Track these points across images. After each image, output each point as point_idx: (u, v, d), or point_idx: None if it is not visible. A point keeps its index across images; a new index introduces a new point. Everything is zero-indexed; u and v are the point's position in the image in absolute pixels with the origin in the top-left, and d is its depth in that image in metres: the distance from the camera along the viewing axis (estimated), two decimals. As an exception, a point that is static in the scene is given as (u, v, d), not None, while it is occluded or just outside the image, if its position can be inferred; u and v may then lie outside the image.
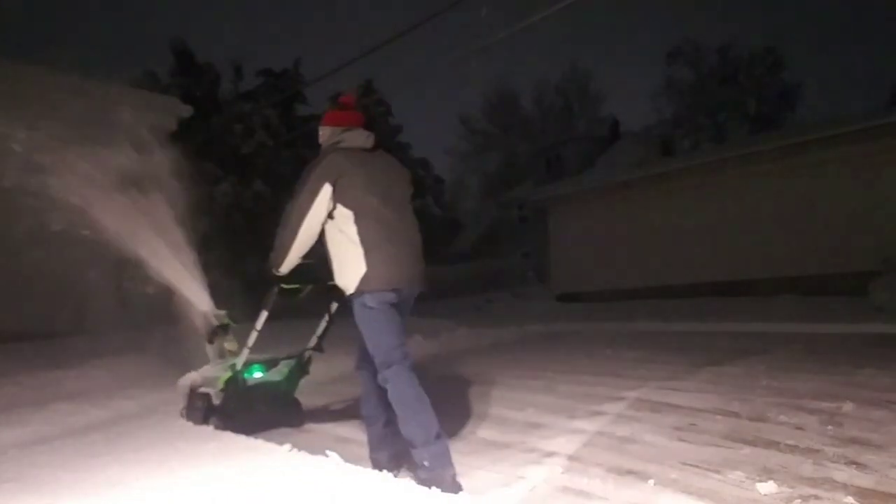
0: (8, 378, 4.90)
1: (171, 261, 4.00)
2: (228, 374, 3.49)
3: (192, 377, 3.80)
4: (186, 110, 9.52)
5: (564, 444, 3.08)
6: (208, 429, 3.59)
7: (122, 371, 5.38)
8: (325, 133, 2.95)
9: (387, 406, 2.68)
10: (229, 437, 3.39)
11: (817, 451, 2.71)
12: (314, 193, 2.70)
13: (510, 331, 8.98)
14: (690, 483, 2.42)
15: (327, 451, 2.81)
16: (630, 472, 2.60)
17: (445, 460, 2.51)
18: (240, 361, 3.50)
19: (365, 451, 2.94)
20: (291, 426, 3.81)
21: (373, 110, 25.21)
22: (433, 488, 2.33)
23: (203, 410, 3.61)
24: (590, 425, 3.40)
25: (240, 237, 14.04)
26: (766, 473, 2.45)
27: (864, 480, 2.33)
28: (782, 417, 3.29)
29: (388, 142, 26.23)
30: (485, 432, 3.48)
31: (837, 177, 10.74)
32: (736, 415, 3.42)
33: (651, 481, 2.46)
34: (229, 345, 3.80)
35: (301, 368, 3.82)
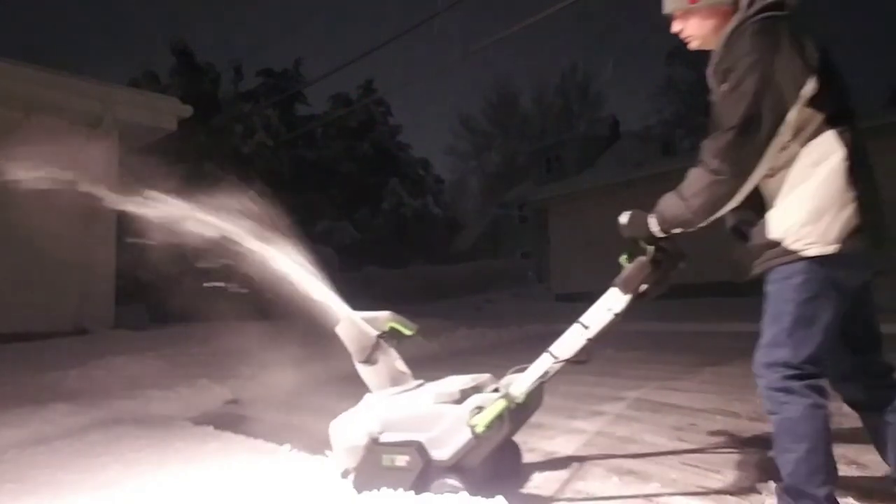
0: (8, 378, 4.89)
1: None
2: (502, 405, 2.16)
3: (364, 420, 2.34)
4: (186, 110, 9.52)
5: (564, 444, 3.08)
6: (208, 429, 3.59)
7: (122, 371, 5.37)
8: None
9: None
10: (229, 437, 3.39)
11: (817, 451, 2.70)
12: (800, 82, 1.69)
13: (510, 331, 8.98)
14: (690, 483, 2.42)
15: (327, 452, 2.81)
16: (630, 472, 2.60)
17: None
18: (524, 383, 2.23)
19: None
20: (514, 474, 2.63)
21: (373, 110, 25.21)
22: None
23: (416, 470, 2.18)
24: (590, 425, 3.40)
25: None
26: (767, 473, 2.45)
27: (865, 480, 2.33)
28: (782, 417, 3.28)
29: (388, 142, 26.26)
30: (485, 432, 3.47)
31: (837, 177, 10.73)
32: (736, 415, 3.42)
33: (651, 481, 2.46)
34: (400, 364, 2.63)
35: (541, 392, 2.45)
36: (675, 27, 1.97)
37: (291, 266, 2.78)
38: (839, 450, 2.67)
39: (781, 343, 1.78)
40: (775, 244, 1.77)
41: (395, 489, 2.16)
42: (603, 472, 2.61)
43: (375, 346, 2.54)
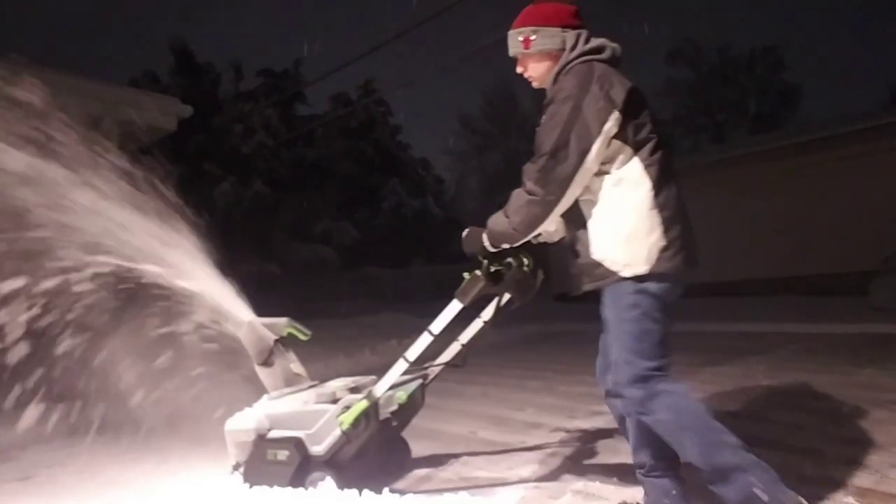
0: (8, 378, 4.89)
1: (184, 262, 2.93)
2: (364, 405, 2.31)
3: (254, 418, 2.50)
4: (186, 110, 9.51)
5: (564, 444, 3.08)
6: (208, 429, 3.58)
7: (121, 371, 5.36)
8: (554, 39, 2.01)
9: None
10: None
11: (817, 451, 2.71)
12: (602, 118, 1.84)
13: (510, 331, 8.97)
14: (690, 483, 2.42)
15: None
16: (630, 472, 2.59)
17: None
18: (383, 385, 2.37)
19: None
20: (401, 469, 2.78)
21: (373, 110, 25.23)
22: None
23: (294, 464, 2.36)
24: (590, 425, 3.40)
25: (239, 237, 14.04)
26: (766, 473, 2.45)
27: (864, 480, 2.33)
28: (782, 417, 3.29)
29: (388, 142, 26.27)
30: (485, 432, 3.48)
31: (837, 177, 10.74)
32: (736, 415, 3.42)
33: (651, 481, 2.46)
34: (296, 367, 2.80)
35: (422, 393, 2.62)
36: (518, 69, 2.16)
37: (190, 268, 2.82)
38: (838, 450, 2.68)
39: (628, 360, 1.91)
40: (598, 264, 1.94)
41: (277, 482, 2.32)
42: (603, 473, 2.61)
43: (273, 350, 2.67)
